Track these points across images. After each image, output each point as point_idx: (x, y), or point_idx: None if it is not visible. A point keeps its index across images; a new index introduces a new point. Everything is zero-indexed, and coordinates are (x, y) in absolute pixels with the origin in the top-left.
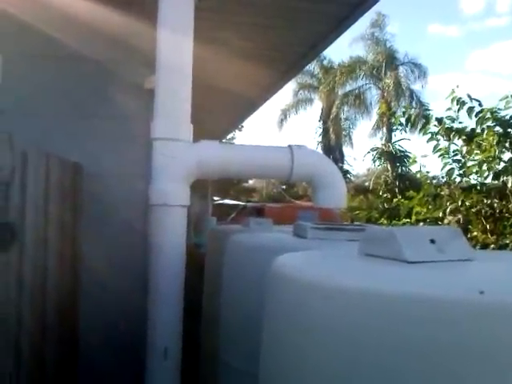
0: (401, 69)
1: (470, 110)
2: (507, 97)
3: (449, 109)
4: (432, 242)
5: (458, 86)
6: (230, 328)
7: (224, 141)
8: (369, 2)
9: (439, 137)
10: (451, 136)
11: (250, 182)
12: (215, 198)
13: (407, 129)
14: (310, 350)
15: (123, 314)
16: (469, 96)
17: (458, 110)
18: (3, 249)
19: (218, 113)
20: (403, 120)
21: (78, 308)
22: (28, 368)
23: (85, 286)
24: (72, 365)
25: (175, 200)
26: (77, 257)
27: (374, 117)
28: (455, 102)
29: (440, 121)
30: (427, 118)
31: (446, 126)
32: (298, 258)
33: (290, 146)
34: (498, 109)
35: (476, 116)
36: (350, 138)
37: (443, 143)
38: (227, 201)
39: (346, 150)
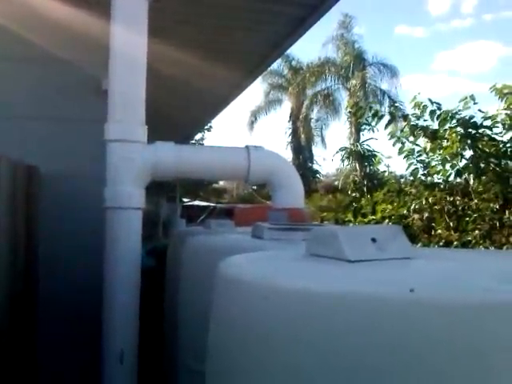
0: (369, 69)
1: (432, 113)
2: (466, 98)
3: (414, 107)
4: (373, 240)
5: (419, 93)
6: (187, 329)
7: (192, 142)
8: (327, 3)
9: (404, 139)
10: (415, 133)
11: (221, 183)
12: (185, 200)
13: (374, 126)
14: (251, 350)
15: (80, 317)
16: (430, 100)
17: (421, 113)
18: None
19: (183, 111)
20: (369, 117)
21: (34, 312)
22: None
23: (40, 292)
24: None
25: (129, 203)
26: (33, 252)
27: (344, 117)
28: (417, 107)
29: (406, 117)
30: (393, 115)
31: (412, 123)
32: (244, 258)
33: (247, 147)
34: (459, 110)
35: (437, 118)
36: (323, 139)
37: (408, 145)
38: (197, 202)
39: (318, 150)
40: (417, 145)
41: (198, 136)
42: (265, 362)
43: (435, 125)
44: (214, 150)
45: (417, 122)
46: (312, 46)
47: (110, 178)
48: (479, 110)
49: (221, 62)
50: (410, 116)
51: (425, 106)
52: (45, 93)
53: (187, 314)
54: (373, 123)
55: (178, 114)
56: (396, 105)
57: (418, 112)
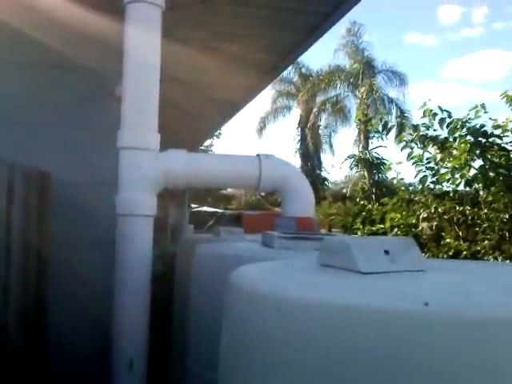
0: (378, 77)
1: (442, 121)
2: (476, 106)
3: (424, 116)
4: (386, 252)
5: (429, 100)
6: (197, 337)
7: (202, 148)
8: (339, 12)
9: (413, 144)
10: (425, 143)
11: (229, 189)
12: (193, 206)
13: (383, 135)
14: (264, 359)
15: (90, 324)
16: (439, 107)
17: (430, 121)
18: None
19: (193, 118)
20: (380, 127)
21: (44, 320)
22: None
23: (51, 300)
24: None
25: (141, 210)
26: (44, 259)
27: (354, 125)
28: (427, 114)
29: (416, 127)
30: (402, 126)
31: (421, 133)
32: (255, 269)
33: (258, 155)
34: (469, 118)
35: (447, 127)
36: (331, 146)
37: (417, 151)
38: (205, 208)
39: (326, 157)
40: (427, 151)
41: (207, 142)
42: (277, 372)
43: (444, 133)
44: (225, 159)
45: (426, 132)
46: (322, 53)
47: (122, 184)
48: (490, 119)
49: (232, 69)
50: (420, 125)
51: (434, 114)
52: (58, 99)
53: (197, 322)
54: (383, 135)
55: (187, 120)
56: (405, 115)
57: (427, 121)
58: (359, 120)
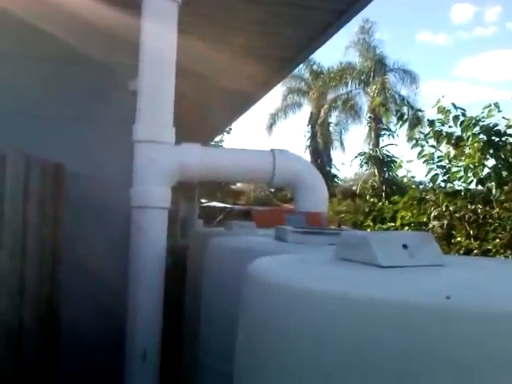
0: (390, 75)
1: (456, 118)
2: (490, 105)
3: (438, 113)
4: (404, 247)
5: (443, 96)
6: (210, 329)
7: (212, 143)
8: (354, 8)
9: (424, 143)
10: (440, 139)
11: (238, 184)
12: (202, 201)
13: (397, 127)
14: (282, 352)
15: (104, 317)
16: (453, 105)
17: (445, 118)
18: None
19: (206, 112)
20: (394, 118)
21: (58, 314)
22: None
23: (65, 290)
24: (53, 363)
25: (156, 202)
26: (59, 254)
27: (365, 122)
28: (441, 111)
29: (431, 123)
30: (418, 119)
31: (436, 128)
32: (273, 261)
33: (272, 150)
34: (483, 117)
35: (461, 124)
36: (342, 143)
37: (428, 149)
38: (214, 203)
39: (336, 154)
40: (438, 150)
41: (217, 138)
42: (295, 365)
43: (458, 131)
44: (239, 153)
45: (441, 128)
46: (332, 50)
47: (137, 177)
48: (503, 118)
49: (245, 65)
50: (436, 121)
51: (448, 111)
52: (72, 93)
53: (210, 315)
54: (397, 125)
55: (199, 115)
56: (421, 109)
57: (442, 117)
58: (371, 116)
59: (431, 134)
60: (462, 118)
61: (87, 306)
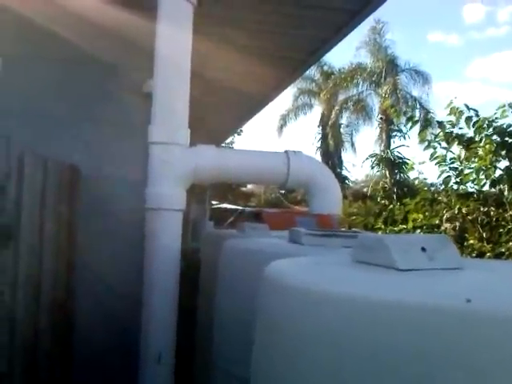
0: (402, 76)
1: (468, 119)
2: (504, 106)
3: (450, 114)
4: (423, 250)
5: (456, 98)
6: (224, 333)
7: (223, 145)
8: (367, 9)
9: (436, 144)
10: (450, 141)
11: (249, 186)
12: (213, 203)
13: (407, 129)
14: (300, 355)
15: (119, 318)
16: (466, 106)
17: (457, 119)
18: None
19: (219, 114)
20: (404, 120)
21: (73, 312)
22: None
23: (81, 291)
24: (66, 369)
25: (171, 204)
26: (72, 259)
27: (376, 123)
28: (453, 112)
29: (441, 124)
30: (428, 121)
31: (446, 130)
32: (290, 264)
33: (286, 152)
34: (496, 118)
35: (473, 125)
36: (352, 144)
37: (440, 151)
38: (225, 205)
39: (348, 155)
40: (450, 151)
41: (228, 139)
42: (312, 369)
43: (470, 132)
44: (253, 154)
45: (451, 129)
46: (343, 50)
47: (151, 179)
48: None
49: (257, 66)
50: (445, 123)
51: (461, 112)
52: (87, 95)
53: (226, 317)
54: (407, 126)
55: (212, 116)
56: (431, 111)
57: (453, 119)
58: (382, 118)
59: (441, 136)
60: (474, 119)
61: (101, 309)
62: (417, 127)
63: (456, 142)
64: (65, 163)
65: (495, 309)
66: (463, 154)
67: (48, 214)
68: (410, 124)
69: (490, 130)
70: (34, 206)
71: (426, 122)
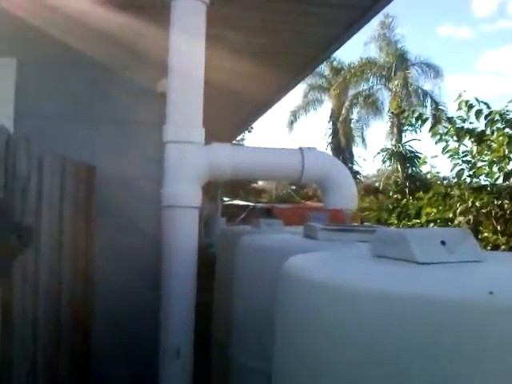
0: (412, 69)
1: (478, 112)
2: None
3: (459, 109)
4: (442, 243)
5: (465, 91)
6: (242, 327)
7: (233, 142)
8: (378, 5)
9: (448, 137)
10: (461, 136)
11: (260, 182)
12: (225, 199)
13: (418, 128)
14: (322, 349)
15: (136, 315)
16: (476, 99)
17: (467, 113)
18: (21, 248)
19: (229, 113)
20: (414, 119)
21: (90, 308)
22: (42, 372)
23: (97, 287)
24: (85, 370)
25: (187, 201)
26: (89, 258)
27: (387, 118)
28: (463, 105)
29: (451, 120)
30: (437, 118)
31: (457, 126)
32: (309, 258)
33: (300, 148)
34: (507, 110)
35: (485, 118)
36: (363, 139)
37: (452, 144)
38: (237, 201)
39: (359, 150)
40: (463, 144)
41: (239, 136)
42: (336, 363)
43: (481, 125)
44: (268, 152)
45: (462, 124)
46: (351, 46)
47: (168, 177)
48: None
49: (268, 65)
50: (455, 118)
51: (471, 105)
52: (102, 95)
53: (244, 313)
54: (417, 126)
55: (223, 114)
56: (440, 107)
57: (463, 113)
58: (393, 112)
59: (452, 131)
60: (486, 112)
61: (119, 306)
62: (428, 123)
63: (467, 137)
64: (82, 163)
65: None
66: (475, 149)
67: (66, 215)
68: (419, 122)
69: (500, 123)
70: (53, 207)
71: (437, 120)
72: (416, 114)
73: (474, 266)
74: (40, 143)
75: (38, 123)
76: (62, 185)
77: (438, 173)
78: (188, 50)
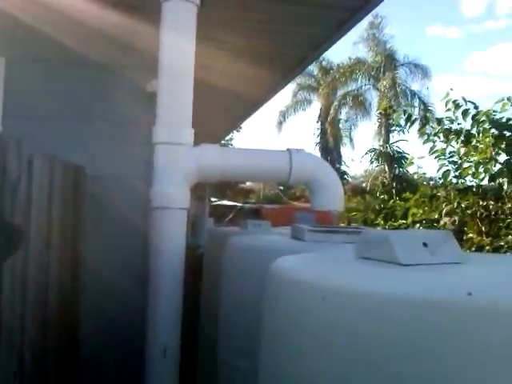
0: (400, 70)
1: (465, 112)
2: (503, 99)
3: (448, 110)
4: (425, 245)
5: (452, 89)
6: (229, 328)
7: (222, 142)
8: (368, 6)
9: (436, 138)
10: (449, 137)
11: (248, 183)
12: (212, 199)
13: (406, 129)
14: (308, 350)
15: (124, 315)
16: (463, 98)
17: (454, 112)
18: (11, 249)
19: (217, 113)
20: (403, 120)
21: (78, 308)
22: (30, 369)
23: (85, 287)
24: (73, 365)
25: (176, 203)
26: (78, 258)
27: (375, 118)
28: (450, 105)
29: (439, 121)
30: (427, 119)
31: (445, 127)
32: (296, 260)
33: (288, 150)
34: (494, 111)
35: (472, 118)
36: (351, 140)
37: (439, 145)
38: (224, 202)
39: (347, 151)
40: (450, 145)
41: (227, 136)
42: (321, 361)
43: (467, 125)
44: (256, 153)
45: (450, 125)
46: (340, 46)
47: (157, 178)
48: None
49: (257, 65)
50: (444, 119)
51: (458, 105)
52: (91, 95)
53: (230, 313)
54: (406, 127)
55: (211, 116)
56: (429, 108)
57: (451, 114)
58: (382, 112)
59: (440, 132)
60: (473, 112)
61: (106, 307)
62: (416, 123)
63: (455, 138)
64: (71, 164)
65: (496, 302)
66: (462, 150)
67: (55, 215)
68: (408, 124)
69: (486, 123)
70: (42, 207)
71: (425, 121)
72: (405, 115)
73: (455, 268)
74: (29, 143)
75: (28, 123)
76: (51, 185)
77: (425, 173)
78: (178, 51)
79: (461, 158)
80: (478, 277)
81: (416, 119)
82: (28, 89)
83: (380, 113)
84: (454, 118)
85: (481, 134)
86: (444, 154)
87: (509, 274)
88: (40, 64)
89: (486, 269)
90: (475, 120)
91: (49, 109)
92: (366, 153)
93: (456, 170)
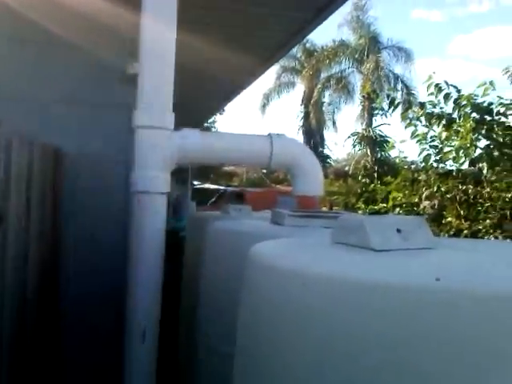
0: (384, 53)
1: (447, 96)
2: (485, 83)
3: (431, 93)
4: (398, 231)
5: (434, 73)
6: (210, 312)
7: (205, 124)
8: None
9: (417, 122)
10: (431, 121)
11: (231, 166)
12: (195, 183)
13: (389, 112)
14: (284, 335)
15: (103, 297)
16: (446, 82)
17: (436, 95)
18: None
19: (199, 97)
20: (385, 104)
21: (58, 291)
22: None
23: (65, 270)
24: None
25: (156, 187)
26: (58, 240)
27: (358, 101)
28: (432, 88)
29: (422, 105)
30: (410, 103)
31: (427, 111)
32: (273, 245)
33: (269, 135)
34: (475, 95)
35: (454, 102)
36: (334, 123)
37: (421, 129)
38: (207, 185)
39: (329, 134)
40: (432, 130)
41: (210, 119)
42: (296, 346)
43: (449, 109)
44: (237, 138)
45: (433, 109)
46: (325, 27)
47: (138, 162)
48: (498, 97)
49: (238, 49)
50: (427, 103)
51: (440, 88)
52: (71, 77)
53: (210, 297)
54: (389, 111)
55: (192, 100)
56: (412, 92)
57: (433, 98)
58: (365, 96)
59: (421, 116)
60: (455, 96)
61: (86, 284)
62: (399, 108)
63: (436, 123)
64: (49, 146)
65: (464, 287)
66: (444, 134)
67: (34, 197)
68: (392, 107)
69: (468, 108)
70: (20, 190)
71: (408, 105)
72: (389, 99)
73: (426, 253)
74: (7, 125)
75: (6, 105)
76: (29, 168)
77: (406, 157)
78: (159, 34)
79: (442, 143)
80: (448, 262)
81: (399, 103)
82: (5, 71)
83: (363, 96)
84: (436, 102)
85: (462, 119)
86: (425, 139)
87: (478, 259)
88: (17, 45)
89: (457, 254)
90: (457, 104)
91: (27, 91)
92: (349, 136)
93: (437, 154)
